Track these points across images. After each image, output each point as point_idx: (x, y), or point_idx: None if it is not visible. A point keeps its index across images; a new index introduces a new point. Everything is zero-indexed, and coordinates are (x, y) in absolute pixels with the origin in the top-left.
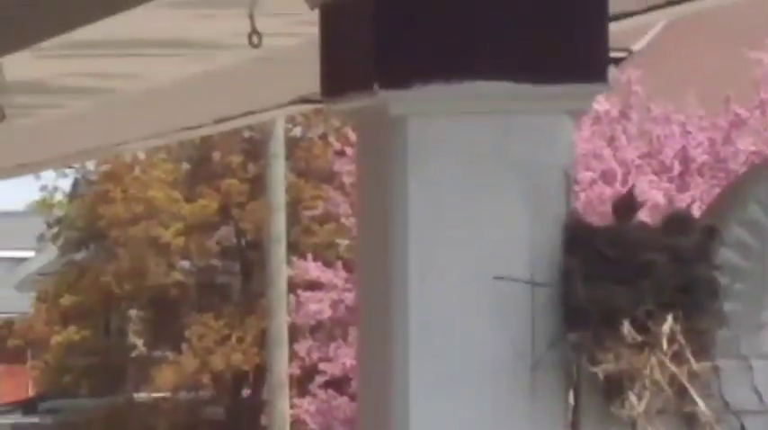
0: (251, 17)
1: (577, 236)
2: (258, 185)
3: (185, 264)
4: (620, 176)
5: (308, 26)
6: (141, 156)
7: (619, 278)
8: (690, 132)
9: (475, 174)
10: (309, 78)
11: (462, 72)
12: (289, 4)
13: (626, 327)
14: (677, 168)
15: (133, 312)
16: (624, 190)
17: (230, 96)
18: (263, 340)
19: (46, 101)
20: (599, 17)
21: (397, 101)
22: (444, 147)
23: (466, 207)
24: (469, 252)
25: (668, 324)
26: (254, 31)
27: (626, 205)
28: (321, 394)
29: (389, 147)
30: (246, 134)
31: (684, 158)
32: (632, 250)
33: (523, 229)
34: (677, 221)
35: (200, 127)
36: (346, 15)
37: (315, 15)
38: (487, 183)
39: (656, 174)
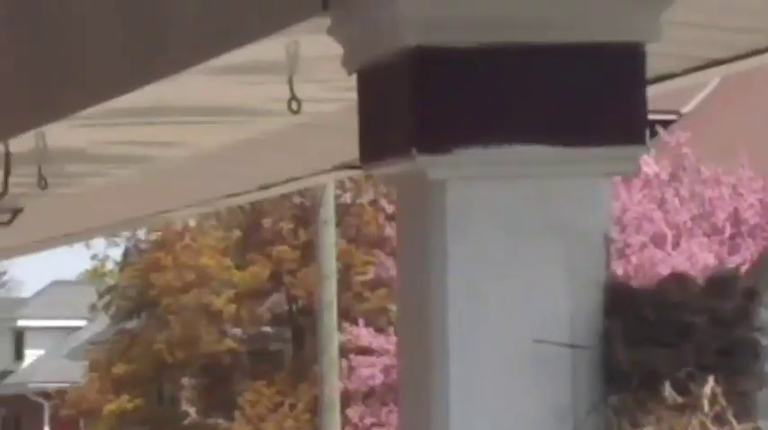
0: (290, 83)
1: (617, 298)
2: (309, 252)
3: (237, 331)
4: (670, 239)
5: (347, 92)
6: (192, 223)
7: (659, 340)
8: (741, 194)
9: (514, 237)
10: (351, 143)
11: (500, 136)
12: (327, 70)
13: (667, 390)
14: (728, 230)
15: (185, 380)
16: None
17: (273, 163)
18: (315, 406)
19: (87, 169)
20: (636, 80)
21: (435, 166)
22: (483, 211)
23: (505, 270)
24: (510, 315)
25: (709, 386)
26: (294, 97)
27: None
28: None
29: (429, 212)
30: (297, 200)
31: (736, 220)
32: (672, 312)
33: (563, 292)
34: (718, 283)
35: (244, 194)
36: (383, 80)
37: (353, 81)
38: (527, 246)
39: (707, 236)
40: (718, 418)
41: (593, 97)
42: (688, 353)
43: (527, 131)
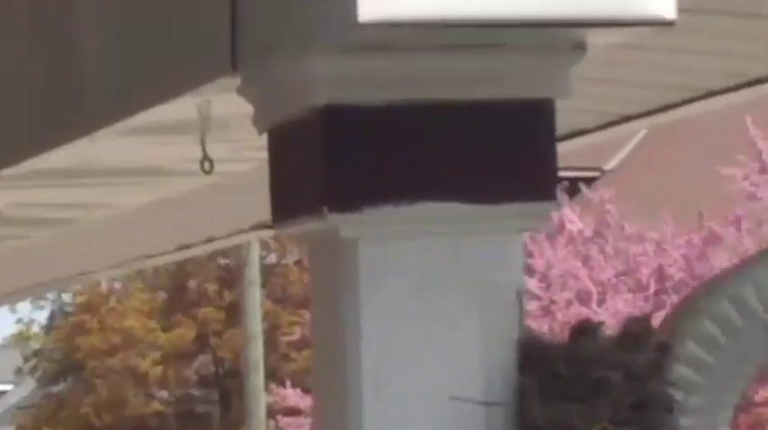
0: (202, 143)
1: (531, 354)
2: (235, 313)
3: (164, 393)
4: (595, 296)
5: (259, 151)
6: (117, 286)
7: (574, 396)
8: (665, 250)
9: (428, 294)
10: (266, 203)
11: (412, 194)
12: (238, 130)
13: None
14: (653, 286)
15: None
16: (600, 310)
17: (191, 223)
18: None
19: (4, 232)
20: (547, 136)
21: (347, 224)
22: (396, 268)
23: (419, 328)
24: (424, 373)
25: None
26: (206, 157)
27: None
28: None
29: (341, 271)
30: (221, 262)
31: (660, 276)
32: (586, 368)
33: (478, 349)
34: (631, 338)
35: (164, 254)
36: (294, 139)
37: (264, 140)
38: (441, 303)
39: (632, 292)
40: None
41: (503, 154)
42: (603, 408)
43: (438, 189)
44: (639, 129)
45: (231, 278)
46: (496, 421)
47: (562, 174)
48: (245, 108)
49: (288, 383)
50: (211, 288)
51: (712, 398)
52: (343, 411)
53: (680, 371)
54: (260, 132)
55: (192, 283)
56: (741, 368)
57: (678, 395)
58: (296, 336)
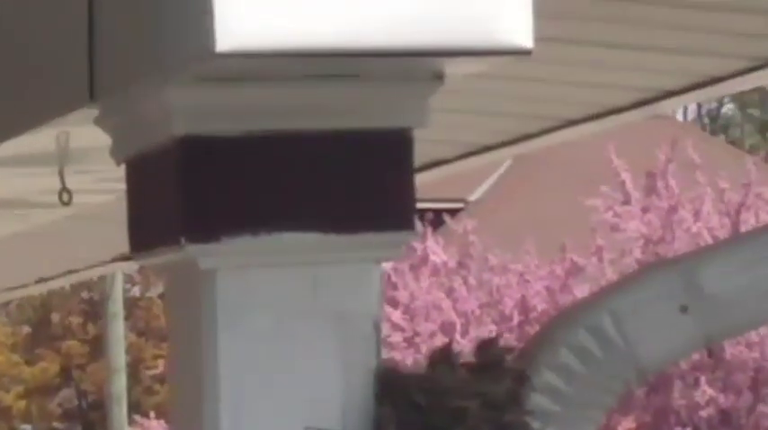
0: (60, 174)
1: (388, 385)
2: (98, 346)
3: (27, 427)
4: (459, 327)
5: (118, 182)
6: None
7: (432, 426)
8: (528, 281)
9: (286, 325)
10: (125, 235)
11: (269, 224)
12: (97, 161)
13: None
14: (516, 318)
15: None
16: (464, 341)
17: (51, 255)
18: None
19: None
20: (404, 166)
21: (205, 255)
22: (254, 299)
23: (278, 359)
24: (282, 404)
25: None
26: (65, 188)
27: (441, 356)
28: None
29: (199, 301)
30: (85, 295)
31: (524, 307)
32: (444, 397)
33: (336, 380)
34: (489, 367)
35: (22, 287)
36: (151, 170)
37: (122, 171)
38: (298, 334)
39: (495, 323)
40: None
41: (360, 184)
42: None
43: (295, 219)
44: (500, 159)
45: (95, 311)
46: None
47: (426, 205)
48: (103, 139)
49: (152, 415)
50: (75, 321)
51: (570, 427)
52: None
53: (537, 400)
54: (118, 164)
55: (56, 317)
56: (599, 397)
57: (535, 424)
58: (159, 370)
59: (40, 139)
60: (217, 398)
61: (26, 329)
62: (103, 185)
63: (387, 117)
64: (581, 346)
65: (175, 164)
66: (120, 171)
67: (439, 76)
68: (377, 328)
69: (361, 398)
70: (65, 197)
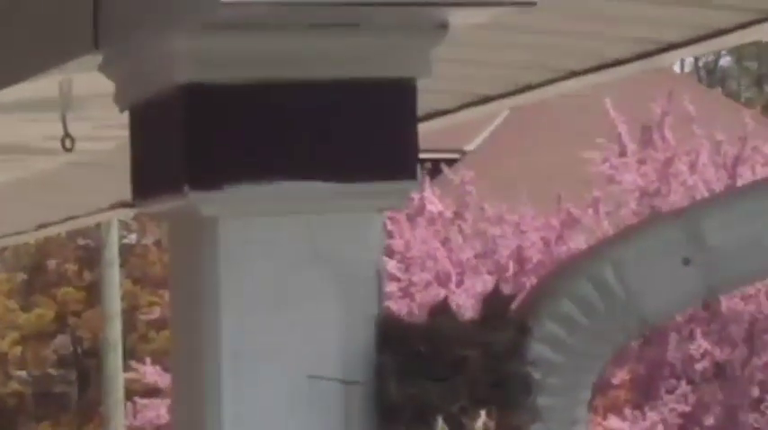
0: (63, 121)
1: (390, 333)
2: (94, 293)
3: (22, 373)
4: (454, 277)
5: (120, 129)
6: None
7: (432, 375)
8: (524, 232)
9: (287, 273)
10: (127, 182)
11: (271, 172)
12: (100, 108)
13: (440, 424)
14: (512, 268)
15: None
16: (459, 291)
17: (50, 202)
18: None
19: None
20: (407, 116)
21: (207, 202)
22: (255, 247)
23: (278, 307)
24: (283, 352)
25: (482, 420)
26: (67, 134)
27: (443, 307)
28: None
29: (201, 249)
30: (81, 242)
31: (519, 258)
32: (445, 346)
33: (336, 328)
34: (491, 317)
35: (22, 233)
36: (155, 118)
37: (126, 118)
38: (299, 282)
39: (490, 274)
40: None
41: (363, 133)
42: (461, 388)
43: (297, 168)
44: (500, 110)
45: (91, 258)
46: (355, 400)
47: (424, 155)
48: (106, 86)
49: (147, 361)
50: (71, 268)
51: (571, 377)
52: (201, 390)
53: (538, 350)
54: (121, 110)
55: (52, 263)
56: (600, 347)
57: (536, 374)
58: (155, 315)
59: (43, 86)
60: (218, 344)
61: (22, 276)
62: (105, 132)
63: (390, 66)
64: (583, 297)
65: (178, 111)
66: (123, 118)
67: (443, 26)
68: (378, 277)
69: (361, 346)
70: (67, 143)
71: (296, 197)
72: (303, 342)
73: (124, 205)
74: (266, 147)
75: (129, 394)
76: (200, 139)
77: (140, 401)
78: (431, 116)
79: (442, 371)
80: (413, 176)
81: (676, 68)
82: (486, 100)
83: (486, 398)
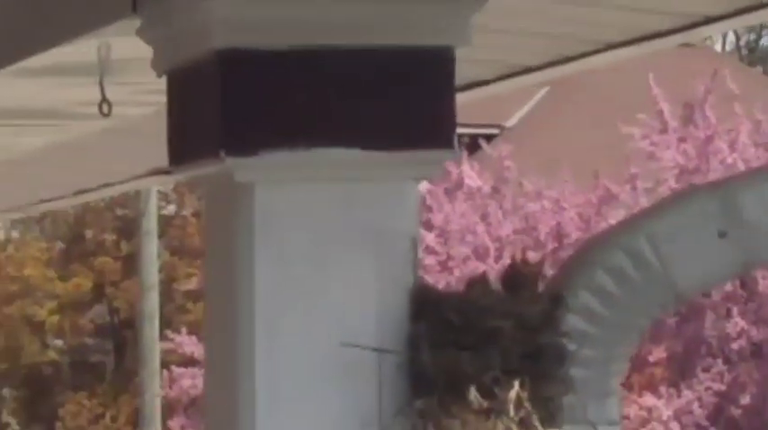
0: (101, 85)
1: (424, 302)
2: (132, 263)
3: (59, 342)
4: (493, 252)
5: (158, 95)
6: (15, 234)
7: (465, 344)
8: (563, 208)
9: (322, 241)
10: (164, 149)
11: (308, 139)
12: (138, 73)
13: (472, 394)
14: (550, 244)
15: (6, 391)
16: (498, 266)
17: (88, 168)
18: (136, 419)
19: None
20: (445, 84)
21: (243, 168)
22: (291, 214)
23: (313, 274)
24: (317, 319)
25: (515, 390)
26: (104, 99)
27: (479, 280)
28: None
29: (236, 215)
30: (119, 212)
31: (558, 234)
32: (478, 317)
33: (371, 296)
34: (524, 288)
35: (59, 199)
36: (192, 82)
37: (163, 83)
38: (334, 250)
39: (529, 249)
40: (524, 423)
41: (400, 101)
42: (494, 358)
43: (334, 135)
44: (539, 82)
45: (129, 229)
46: (388, 368)
47: (462, 130)
48: (144, 50)
49: (183, 331)
50: (109, 238)
51: (605, 349)
52: (235, 356)
53: (573, 321)
54: (159, 75)
55: (90, 233)
56: (634, 319)
57: (570, 345)
58: (192, 285)
59: (81, 50)
60: (252, 312)
61: (60, 245)
62: (142, 98)
63: (429, 34)
64: (618, 268)
65: (216, 77)
66: (161, 83)
67: None
68: (413, 246)
69: (395, 315)
70: (104, 108)
71: (332, 164)
72: (337, 310)
73: (161, 172)
74: (302, 114)
75: (166, 365)
76: (236, 105)
77: (176, 370)
78: (469, 87)
79: (476, 342)
80: (450, 146)
81: (717, 47)
82: (525, 71)
83: (519, 369)
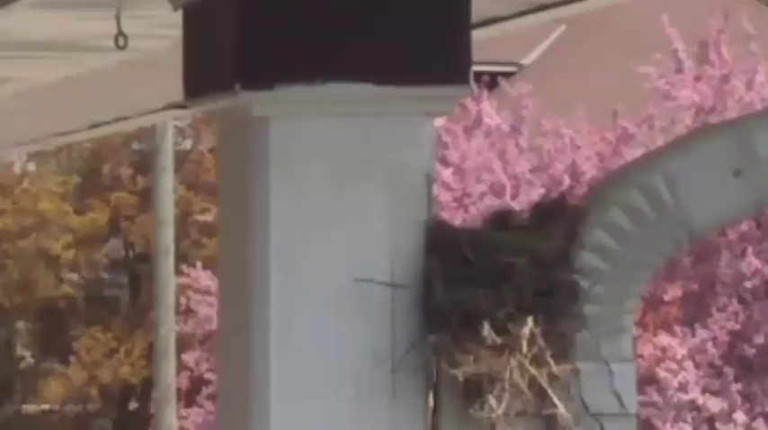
0: (117, 19)
1: (439, 238)
2: (148, 198)
3: (74, 276)
4: (509, 190)
5: (174, 28)
6: (31, 167)
7: (479, 281)
8: (579, 147)
9: (337, 175)
10: (180, 82)
11: (324, 74)
12: (154, 6)
13: (486, 330)
14: (567, 182)
15: (21, 324)
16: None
17: (103, 101)
18: (151, 353)
19: None
20: (460, 21)
21: (259, 102)
22: (306, 148)
23: (327, 208)
24: (331, 253)
25: (528, 327)
26: (120, 32)
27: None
28: (207, 405)
29: (252, 148)
30: (136, 146)
31: (574, 172)
32: (493, 253)
33: (385, 231)
34: (540, 225)
35: (74, 132)
36: (209, 16)
37: (179, 17)
38: (349, 184)
39: (545, 187)
40: (537, 359)
41: (416, 37)
42: (507, 294)
43: (350, 70)
44: (554, 19)
45: (145, 163)
46: (402, 304)
47: (480, 68)
48: None
49: (199, 265)
50: (125, 173)
51: (618, 286)
52: (250, 289)
53: (587, 258)
54: (175, 8)
55: (106, 168)
56: (649, 257)
57: (584, 282)
58: (208, 219)
59: None
60: (266, 245)
61: (76, 179)
62: (158, 31)
63: None
64: (633, 206)
65: (232, 10)
66: (177, 17)
67: None
68: (429, 182)
69: (410, 250)
70: (120, 41)
71: (347, 99)
72: (351, 244)
73: (176, 106)
74: (318, 49)
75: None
76: (252, 38)
77: (194, 296)
78: (485, 23)
79: (490, 278)
80: (465, 82)
81: None
82: (541, 8)
83: (533, 306)
